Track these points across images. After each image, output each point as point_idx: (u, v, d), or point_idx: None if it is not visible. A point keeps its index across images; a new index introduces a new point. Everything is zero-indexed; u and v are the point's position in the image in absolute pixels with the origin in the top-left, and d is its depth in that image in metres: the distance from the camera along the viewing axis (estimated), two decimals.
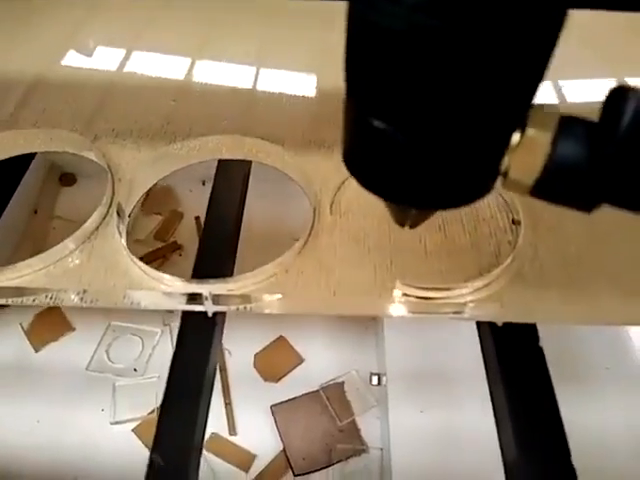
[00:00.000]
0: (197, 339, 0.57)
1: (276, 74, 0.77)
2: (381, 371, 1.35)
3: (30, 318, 1.39)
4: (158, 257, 1.51)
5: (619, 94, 0.26)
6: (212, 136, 0.64)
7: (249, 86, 0.75)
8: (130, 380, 1.33)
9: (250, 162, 0.72)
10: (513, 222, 0.58)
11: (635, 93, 0.25)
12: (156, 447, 0.52)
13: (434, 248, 0.56)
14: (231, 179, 0.70)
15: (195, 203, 1.61)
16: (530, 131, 0.27)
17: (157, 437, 0.52)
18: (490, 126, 0.26)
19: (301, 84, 0.75)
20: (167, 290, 0.51)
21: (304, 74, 0.77)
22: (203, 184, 1.63)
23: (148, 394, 1.31)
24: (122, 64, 0.78)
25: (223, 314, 0.60)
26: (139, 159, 0.61)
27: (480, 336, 0.65)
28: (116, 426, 1.27)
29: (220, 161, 0.70)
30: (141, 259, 0.53)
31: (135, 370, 1.35)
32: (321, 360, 1.40)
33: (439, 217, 0.58)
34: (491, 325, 0.58)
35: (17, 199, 1.29)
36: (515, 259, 0.54)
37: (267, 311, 0.52)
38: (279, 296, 0.51)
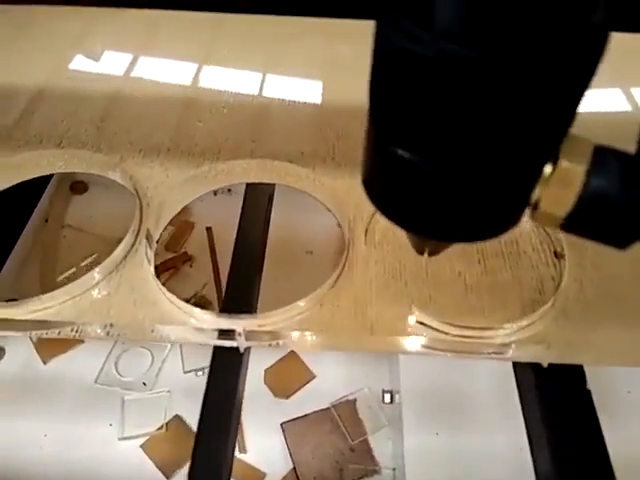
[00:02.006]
0: (228, 371, 0.55)
1: (296, 89, 0.75)
2: (393, 389, 1.32)
3: None
4: (169, 268, 1.49)
5: None
6: (240, 160, 0.62)
7: (272, 105, 0.73)
8: (139, 394, 1.31)
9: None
10: (555, 255, 0.56)
11: None
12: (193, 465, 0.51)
13: (474, 283, 0.54)
14: (258, 202, 0.68)
15: (206, 214, 1.59)
16: (563, 162, 0.25)
17: (192, 469, 0.51)
18: (522, 158, 0.25)
19: (321, 100, 0.73)
20: (198, 325, 0.48)
21: (325, 89, 0.74)
22: (215, 194, 1.61)
23: (157, 409, 1.29)
24: (131, 74, 0.77)
25: None
26: (167, 183, 0.59)
27: (515, 366, 0.63)
28: (124, 442, 1.25)
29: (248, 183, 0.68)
30: None
31: (144, 384, 1.33)
32: (333, 376, 1.38)
33: (478, 250, 0.56)
34: (531, 365, 0.56)
35: None
36: (560, 296, 0.51)
37: (296, 348, 0.50)
38: (314, 334, 0.49)
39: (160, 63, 0.80)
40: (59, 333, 0.48)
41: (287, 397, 1.34)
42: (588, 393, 0.51)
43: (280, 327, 0.49)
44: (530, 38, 0.20)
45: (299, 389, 1.36)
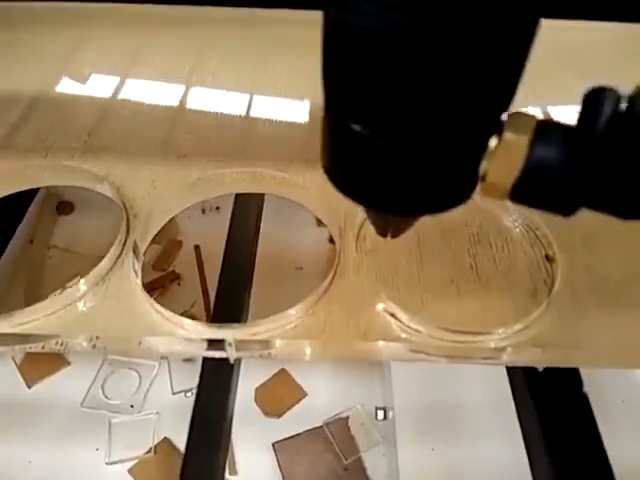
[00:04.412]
0: (217, 389, 0.53)
1: (281, 103, 0.75)
2: (387, 405, 1.31)
3: (23, 352, 1.34)
4: (157, 287, 1.47)
5: (596, 96, 0.26)
6: (230, 169, 0.61)
7: (261, 114, 0.73)
8: (126, 417, 1.28)
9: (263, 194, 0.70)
10: (547, 258, 0.56)
11: (612, 94, 0.25)
12: None
13: (467, 288, 0.53)
14: (247, 214, 0.67)
15: (194, 232, 1.58)
16: (508, 135, 0.27)
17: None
18: (467, 129, 0.26)
19: (310, 109, 0.73)
20: (188, 336, 0.47)
21: (313, 98, 0.74)
22: (203, 212, 1.60)
23: (145, 432, 1.26)
24: (118, 92, 0.76)
25: None
26: (155, 195, 0.58)
27: (510, 376, 0.62)
28: (111, 466, 1.21)
29: (237, 194, 0.67)
30: None
31: (132, 406, 1.30)
32: (324, 394, 1.36)
33: (470, 255, 0.56)
34: (525, 370, 0.55)
35: None
36: (553, 299, 0.51)
37: (288, 357, 0.49)
38: (306, 342, 0.48)
39: (148, 80, 0.80)
40: (43, 347, 0.47)
41: (278, 416, 1.32)
42: (585, 397, 0.50)
43: (271, 336, 0.48)
44: (468, 6, 0.21)
45: (290, 408, 1.33)
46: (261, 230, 0.77)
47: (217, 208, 1.59)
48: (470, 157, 0.28)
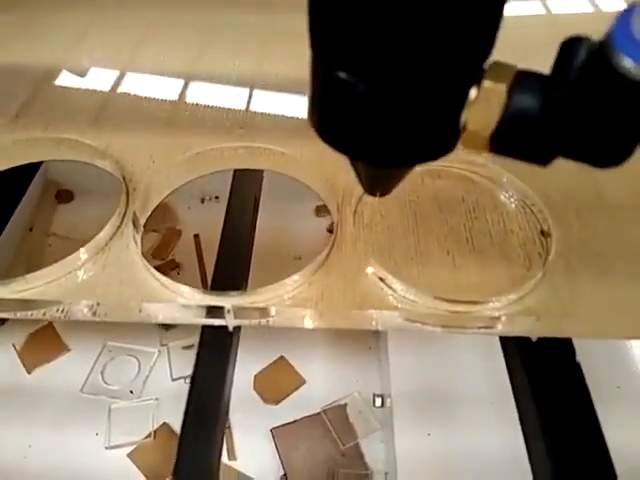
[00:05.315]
0: (216, 357, 0.54)
1: (282, 83, 0.76)
2: (384, 392, 1.31)
3: (23, 338, 1.35)
4: None
5: (571, 43, 0.26)
6: (228, 144, 0.62)
7: (261, 93, 0.73)
8: (126, 403, 1.29)
9: (262, 173, 0.70)
10: (542, 233, 0.56)
11: (586, 41, 0.25)
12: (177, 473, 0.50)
13: (463, 261, 0.54)
14: (245, 191, 0.67)
15: (194, 221, 1.58)
16: (486, 83, 0.27)
17: (177, 463, 0.49)
18: (449, 76, 0.27)
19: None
20: (186, 303, 0.48)
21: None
22: (202, 202, 1.61)
23: (144, 417, 1.27)
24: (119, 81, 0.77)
25: (239, 329, 0.58)
26: (153, 169, 0.59)
27: (505, 351, 0.63)
28: (111, 451, 1.22)
29: (235, 172, 0.68)
30: None
31: (131, 392, 1.31)
32: (323, 381, 1.37)
33: (466, 229, 0.57)
34: (519, 341, 0.56)
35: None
36: (548, 270, 0.52)
37: (288, 325, 0.50)
38: (304, 311, 0.49)
39: (151, 61, 0.80)
40: (44, 314, 0.47)
41: (277, 403, 1.33)
42: (578, 366, 0.51)
43: (269, 304, 0.49)
44: None
45: (289, 395, 1.34)
46: (260, 220, 0.77)
47: (216, 197, 1.60)
48: (452, 105, 0.28)
